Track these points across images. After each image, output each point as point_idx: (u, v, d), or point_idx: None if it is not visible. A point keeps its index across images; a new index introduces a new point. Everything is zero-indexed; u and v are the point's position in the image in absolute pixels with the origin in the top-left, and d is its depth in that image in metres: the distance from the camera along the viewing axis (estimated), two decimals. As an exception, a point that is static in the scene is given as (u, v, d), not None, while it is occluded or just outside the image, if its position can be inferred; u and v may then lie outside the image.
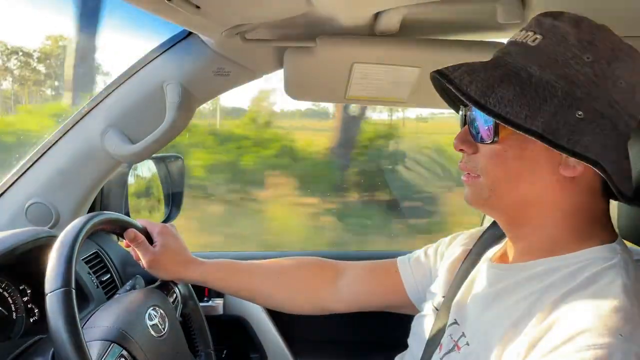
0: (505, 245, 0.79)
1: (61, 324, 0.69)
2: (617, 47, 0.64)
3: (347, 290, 1.02)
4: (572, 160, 0.63)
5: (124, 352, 0.80)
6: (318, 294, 1.03)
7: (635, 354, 0.52)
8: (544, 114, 0.60)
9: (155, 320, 0.90)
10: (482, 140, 0.68)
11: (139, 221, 1.02)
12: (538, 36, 0.65)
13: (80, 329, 0.70)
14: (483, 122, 0.67)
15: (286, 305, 1.05)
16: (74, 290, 0.73)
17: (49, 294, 0.72)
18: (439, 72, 0.66)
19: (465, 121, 0.71)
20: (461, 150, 0.71)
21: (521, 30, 0.68)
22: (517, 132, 0.61)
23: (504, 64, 0.66)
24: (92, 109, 1.13)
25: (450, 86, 0.64)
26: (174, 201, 1.45)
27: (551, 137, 0.60)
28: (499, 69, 0.66)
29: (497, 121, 0.63)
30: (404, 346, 0.90)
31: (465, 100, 0.64)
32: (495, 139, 0.66)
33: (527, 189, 0.67)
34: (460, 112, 0.75)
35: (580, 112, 0.61)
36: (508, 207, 0.70)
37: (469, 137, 0.70)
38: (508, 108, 0.61)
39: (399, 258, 1.02)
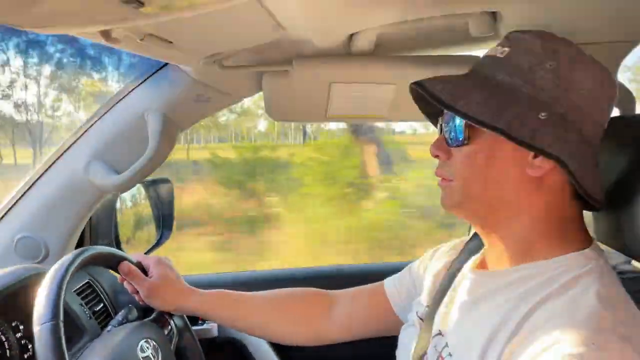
0: (484, 251, 0.80)
1: (49, 357, 0.72)
2: (577, 55, 0.68)
3: (341, 320, 1.02)
4: (538, 160, 0.66)
5: None
6: (314, 324, 1.03)
7: None
8: (509, 114, 0.64)
9: (148, 352, 0.90)
10: (454, 144, 0.72)
11: (132, 255, 1.02)
12: (506, 48, 0.70)
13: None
14: (455, 125, 0.71)
15: (284, 337, 1.05)
16: (61, 323, 0.76)
17: (36, 328, 0.75)
18: (415, 82, 0.71)
19: (441, 130, 0.75)
20: (436, 156, 0.75)
21: (496, 46, 0.72)
22: (487, 133, 0.66)
23: (476, 74, 0.71)
24: (76, 141, 1.13)
25: (423, 92, 0.69)
26: (164, 224, 1.45)
27: (514, 133, 0.63)
28: (471, 79, 0.71)
29: (466, 121, 0.67)
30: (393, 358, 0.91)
31: (435, 103, 0.68)
32: (465, 141, 0.70)
33: (496, 190, 0.69)
34: (439, 123, 0.78)
35: (543, 114, 0.64)
36: (479, 210, 0.72)
37: (444, 144, 0.74)
38: (475, 109, 0.65)
39: (386, 281, 1.02)
